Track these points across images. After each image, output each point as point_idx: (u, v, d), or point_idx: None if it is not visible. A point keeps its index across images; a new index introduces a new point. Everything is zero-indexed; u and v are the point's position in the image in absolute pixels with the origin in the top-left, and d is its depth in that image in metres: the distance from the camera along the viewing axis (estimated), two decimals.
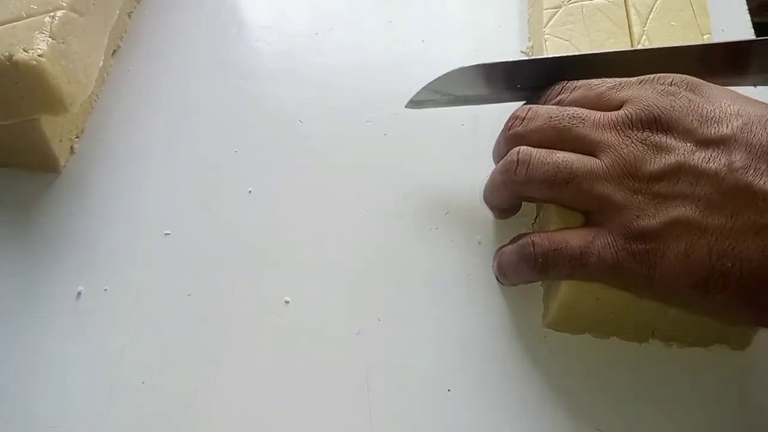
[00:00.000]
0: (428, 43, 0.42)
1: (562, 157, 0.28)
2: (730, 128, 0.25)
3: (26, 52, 0.31)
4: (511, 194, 0.30)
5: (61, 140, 0.36)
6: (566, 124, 0.28)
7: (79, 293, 0.32)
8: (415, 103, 0.35)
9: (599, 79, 0.30)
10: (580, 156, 0.28)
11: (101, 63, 0.38)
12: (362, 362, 0.30)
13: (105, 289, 0.33)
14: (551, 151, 0.28)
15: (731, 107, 0.26)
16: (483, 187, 0.34)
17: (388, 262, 0.33)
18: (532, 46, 0.40)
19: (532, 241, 0.28)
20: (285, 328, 0.31)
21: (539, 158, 0.28)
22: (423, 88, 0.34)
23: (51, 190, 0.36)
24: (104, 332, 0.31)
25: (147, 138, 0.38)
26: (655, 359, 0.30)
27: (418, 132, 0.38)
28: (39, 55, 0.31)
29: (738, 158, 0.24)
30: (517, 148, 0.29)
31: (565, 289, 0.28)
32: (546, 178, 0.27)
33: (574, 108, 0.29)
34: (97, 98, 0.40)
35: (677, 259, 0.24)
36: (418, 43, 0.42)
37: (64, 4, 0.34)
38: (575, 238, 0.27)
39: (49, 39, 0.32)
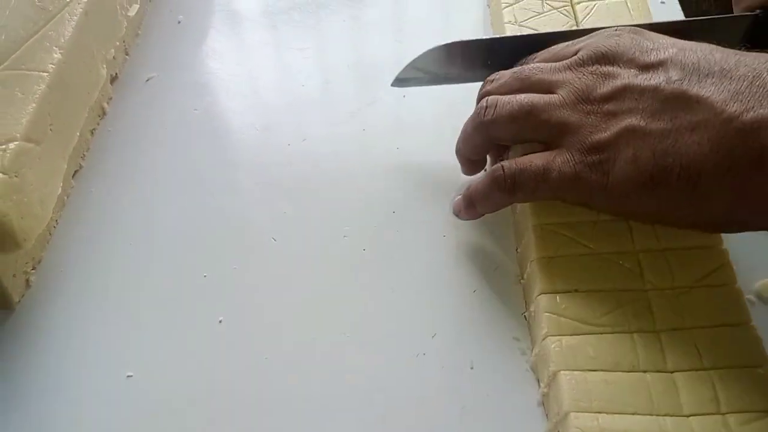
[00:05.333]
0: (402, 150, 0.40)
1: (524, 96, 0.32)
2: (666, 54, 0.29)
3: None
4: (482, 138, 0.34)
5: (15, 275, 0.34)
6: (527, 73, 0.33)
7: None
8: (400, 80, 0.39)
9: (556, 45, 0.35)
10: (540, 94, 0.32)
11: (60, 190, 0.36)
12: None
13: None
14: (515, 94, 0.32)
15: (667, 41, 0.31)
16: (472, 309, 0.32)
17: (372, 395, 0.31)
18: None
19: (502, 166, 0.32)
20: None
21: (505, 99, 0.32)
22: (407, 66, 0.38)
23: (2, 330, 0.33)
24: None
25: (109, 267, 0.36)
26: None
27: (398, 246, 0.36)
28: None
29: (674, 74, 0.28)
30: (486, 97, 0.33)
31: None
32: (510, 113, 0.32)
33: (536, 63, 0.34)
34: (57, 225, 0.37)
35: (626, 163, 0.28)
36: (393, 150, 0.40)
37: (18, 134, 0.32)
38: (538, 159, 0.31)
39: (0, 174, 0.30)
